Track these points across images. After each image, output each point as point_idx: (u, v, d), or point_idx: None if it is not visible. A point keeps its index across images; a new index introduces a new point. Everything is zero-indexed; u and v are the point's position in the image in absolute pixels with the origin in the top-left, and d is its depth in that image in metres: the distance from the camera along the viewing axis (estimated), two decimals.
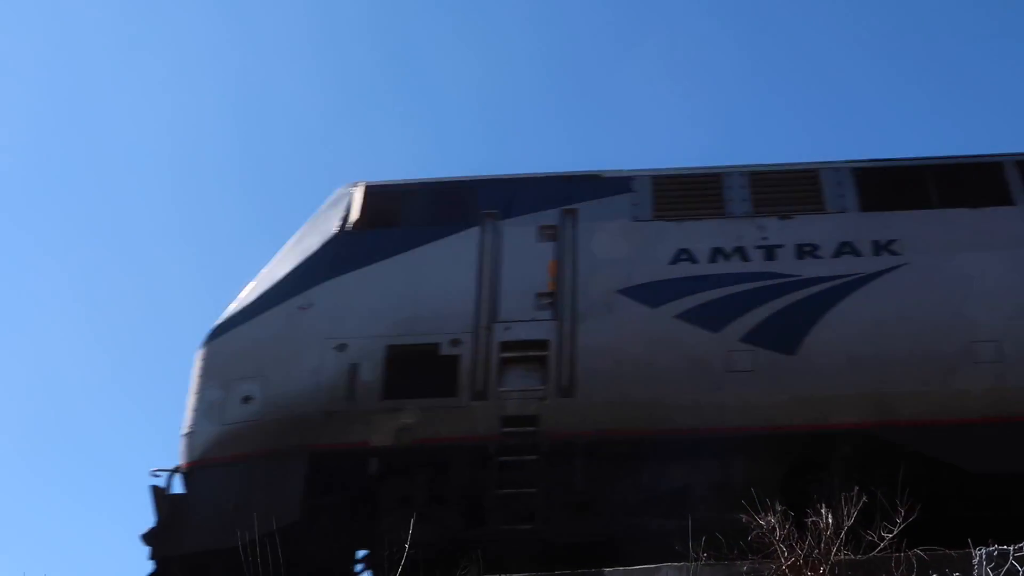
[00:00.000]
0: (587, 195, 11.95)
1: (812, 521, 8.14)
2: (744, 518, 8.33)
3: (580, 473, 10.73)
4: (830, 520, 8.08)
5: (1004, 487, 10.27)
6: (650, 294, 11.14)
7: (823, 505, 8.18)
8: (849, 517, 8.12)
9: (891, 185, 11.79)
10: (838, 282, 11.01)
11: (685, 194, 11.90)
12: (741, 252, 11.34)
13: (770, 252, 11.30)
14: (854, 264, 11.11)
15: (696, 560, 8.28)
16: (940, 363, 10.54)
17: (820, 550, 8.01)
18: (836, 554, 8.00)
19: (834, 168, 11.98)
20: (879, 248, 11.18)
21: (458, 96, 32.36)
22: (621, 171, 12.22)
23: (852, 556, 8.07)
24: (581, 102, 32.67)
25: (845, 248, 11.24)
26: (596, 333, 11.03)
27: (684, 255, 11.35)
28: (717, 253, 11.33)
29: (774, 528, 8.18)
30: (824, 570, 7.93)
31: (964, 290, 10.85)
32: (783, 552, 8.08)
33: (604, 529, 10.61)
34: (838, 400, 10.52)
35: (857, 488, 8.31)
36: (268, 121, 31.91)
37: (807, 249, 11.25)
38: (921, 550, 7.96)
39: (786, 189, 11.84)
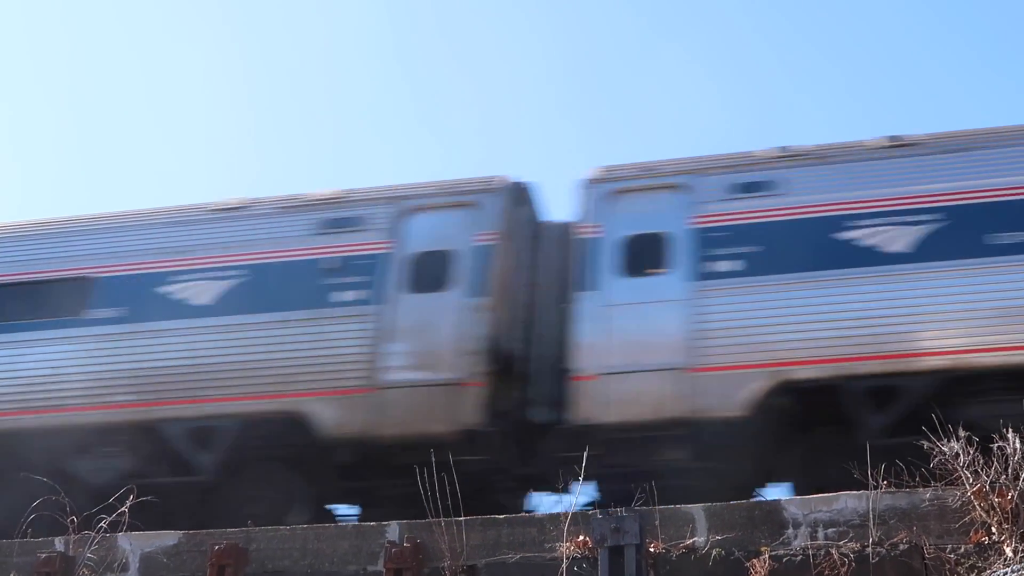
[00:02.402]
0: None
1: (999, 446, 7.88)
2: (926, 444, 8.13)
3: None
4: (1018, 445, 7.81)
5: None
6: None
7: (1010, 429, 7.90)
8: None
9: None
10: None
11: None
12: None
13: None
14: None
15: (876, 488, 8.11)
16: None
17: (1008, 475, 7.77)
18: None
19: None
20: None
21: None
22: None
23: None
24: (608, 97, 31.98)
25: None
26: None
27: None
28: None
29: (958, 454, 7.96)
30: (1012, 496, 7.67)
31: None
32: (967, 479, 7.86)
33: None
34: None
35: None
36: None
37: None
38: None
39: None
